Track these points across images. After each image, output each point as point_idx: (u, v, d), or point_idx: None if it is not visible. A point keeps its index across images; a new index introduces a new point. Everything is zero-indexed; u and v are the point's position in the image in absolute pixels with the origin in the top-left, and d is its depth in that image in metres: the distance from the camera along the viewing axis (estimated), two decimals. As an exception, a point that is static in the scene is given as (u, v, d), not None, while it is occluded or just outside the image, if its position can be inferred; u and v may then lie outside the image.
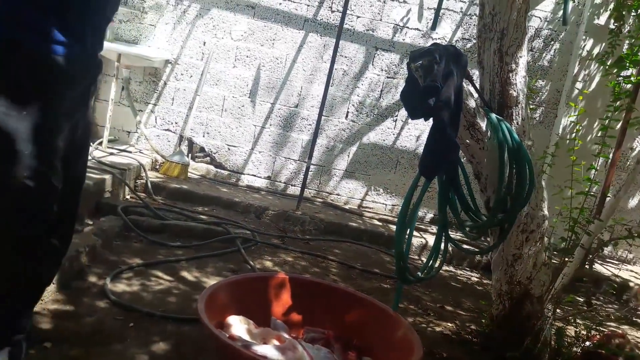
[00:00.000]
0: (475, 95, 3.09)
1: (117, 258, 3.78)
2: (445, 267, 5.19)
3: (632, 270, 6.21)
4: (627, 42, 5.85)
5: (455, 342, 3.54)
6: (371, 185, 6.47)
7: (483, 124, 3.05)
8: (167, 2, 6.13)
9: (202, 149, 6.39)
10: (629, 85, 5.14)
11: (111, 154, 5.61)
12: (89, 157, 3.64)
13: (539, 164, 3.61)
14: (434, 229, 5.80)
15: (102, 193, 4.65)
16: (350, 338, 2.79)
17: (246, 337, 2.48)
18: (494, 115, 2.92)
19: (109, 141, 5.89)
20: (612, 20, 5.85)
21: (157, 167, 6.07)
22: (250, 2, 6.12)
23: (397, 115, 6.33)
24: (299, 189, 5.84)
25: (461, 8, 6.20)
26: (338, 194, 6.47)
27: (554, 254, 4.06)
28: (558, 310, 3.62)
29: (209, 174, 6.35)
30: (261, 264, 4.25)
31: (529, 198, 2.93)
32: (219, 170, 6.40)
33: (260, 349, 2.34)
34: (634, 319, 4.80)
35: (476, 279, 5.17)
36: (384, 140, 6.37)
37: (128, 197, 5.15)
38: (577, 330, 3.66)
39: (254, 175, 6.43)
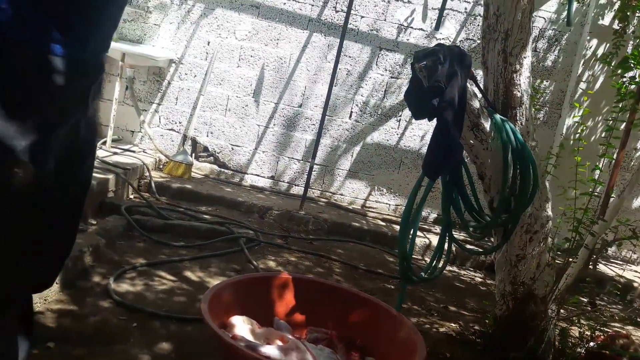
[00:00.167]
0: (479, 95, 3.09)
1: (120, 258, 3.79)
2: (448, 268, 5.18)
3: (636, 271, 6.20)
4: (631, 42, 5.84)
5: (458, 343, 3.54)
6: (375, 185, 6.46)
7: (487, 125, 3.05)
8: (171, 2, 6.13)
9: (205, 149, 6.40)
10: (632, 86, 5.12)
11: (115, 153, 5.61)
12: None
13: (543, 164, 3.60)
14: (438, 229, 5.79)
15: (105, 193, 4.65)
16: (354, 338, 2.78)
17: (249, 337, 2.48)
18: (497, 116, 2.92)
19: (113, 141, 5.89)
20: (617, 21, 5.84)
21: (161, 166, 6.08)
22: (255, 1, 6.13)
23: (400, 116, 6.33)
24: (303, 188, 5.84)
25: (465, 8, 6.19)
26: (342, 194, 6.47)
27: (558, 255, 4.06)
28: (562, 311, 3.61)
29: (213, 173, 6.35)
30: (264, 264, 4.26)
31: (533, 198, 2.92)
32: (222, 169, 6.40)
33: (264, 349, 2.34)
34: (638, 320, 4.79)
35: (480, 280, 5.17)
36: (387, 140, 6.37)
37: (132, 196, 5.15)
38: (581, 330, 3.66)
39: (258, 175, 6.43)
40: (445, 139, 2.66)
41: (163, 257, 3.98)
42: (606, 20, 6.14)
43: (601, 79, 6.25)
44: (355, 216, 5.99)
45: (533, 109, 5.66)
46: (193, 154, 6.34)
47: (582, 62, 6.18)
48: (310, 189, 6.17)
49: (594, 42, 6.20)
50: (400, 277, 3.11)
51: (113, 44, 2.13)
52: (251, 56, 6.23)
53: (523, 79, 3.13)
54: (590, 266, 5.51)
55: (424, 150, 6.19)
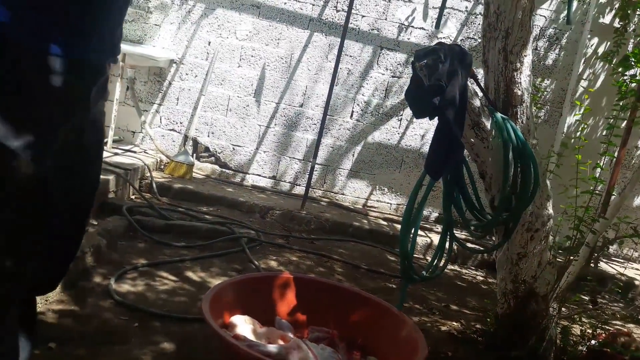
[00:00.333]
0: (480, 94, 3.09)
1: (121, 258, 3.79)
2: (450, 266, 5.18)
3: (637, 269, 6.19)
4: (632, 40, 5.84)
5: (460, 341, 3.54)
6: (376, 185, 6.46)
7: (488, 123, 3.05)
8: (172, 2, 6.13)
9: (206, 149, 6.40)
10: (633, 84, 5.12)
11: (116, 154, 5.61)
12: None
13: (544, 163, 3.60)
14: (439, 228, 5.79)
15: (106, 193, 4.65)
16: (355, 337, 2.79)
17: (251, 337, 2.48)
18: (498, 114, 2.91)
19: (114, 141, 5.90)
20: (618, 19, 5.84)
21: (162, 167, 6.08)
22: (255, 1, 6.13)
23: (402, 115, 6.33)
24: (304, 188, 5.84)
25: (466, 7, 6.19)
26: (343, 194, 6.47)
27: (559, 253, 4.05)
28: (563, 309, 3.61)
29: (214, 173, 6.35)
30: (266, 264, 4.26)
31: (534, 197, 2.92)
32: (223, 170, 6.40)
33: (265, 348, 2.34)
34: (640, 318, 4.79)
35: (481, 278, 5.16)
36: (388, 140, 6.37)
37: (133, 197, 5.15)
38: (583, 328, 3.65)
39: (259, 175, 6.43)
40: (447, 138, 2.66)
41: (164, 257, 3.98)
42: (607, 18, 6.13)
43: (602, 77, 6.24)
44: (356, 216, 5.99)
45: (534, 108, 5.67)
46: (194, 154, 6.34)
47: (583, 61, 6.18)
48: (312, 189, 6.17)
49: (595, 40, 6.19)
50: (402, 276, 3.11)
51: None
52: (252, 56, 6.23)
53: (524, 78, 3.13)
54: (591, 264, 5.51)
55: (425, 149, 6.19)
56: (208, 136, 6.36)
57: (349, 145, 6.38)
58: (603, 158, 5.26)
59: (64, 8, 1.54)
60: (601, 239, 4.92)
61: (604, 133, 5.58)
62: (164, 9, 6.14)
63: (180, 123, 6.33)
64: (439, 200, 3.70)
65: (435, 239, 5.44)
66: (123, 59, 5.71)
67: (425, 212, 6.35)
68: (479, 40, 6.09)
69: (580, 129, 5.99)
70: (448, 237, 3.08)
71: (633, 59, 5.02)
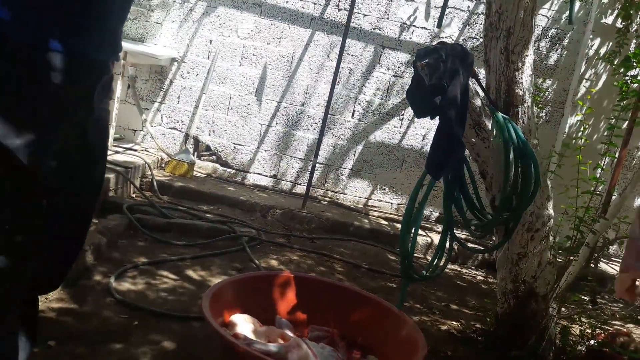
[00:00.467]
0: (482, 94, 3.09)
1: (122, 256, 3.79)
2: (450, 266, 5.18)
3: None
4: (634, 41, 5.83)
5: (460, 341, 3.54)
6: (377, 184, 6.46)
7: (489, 123, 3.05)
8: (173, 0, 6.13)
9: (208, 148, 6.39)
10: (635, 85, 5.12)
11: (117, 152, 5.61)
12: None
13: (545, 163, 3.60)
14: (440, 227, 5.79)
15: (107, 191, 4.65)
16: (355, 336, 2.79)
17: (251, 336, 2.48)
18: (500, 114, 2.91)
19: (115, 139, 5.90)
20: (620, 20, 5.83)
21: (163, 165, 6.08)
22: (257, 0, 6.12)
23: (403, 114, 6.32)
24: (305, 187, 5.84)
25: (468, 7, 6.18)
26: (344, 193, 6.47)
27: (559, 253, 4.05)
28: (563, 309, 3.61)
29: (215, 172, 6.35)
30: (266, 263, 4.26)
31: (534, 197, 2.92)
32: (225, 168, 6.40)
33: (265, 347, 2.34)
34: (639, 318, 4.78)
35: (481, 278, 5.16)
36: (390, 139, 6.36)
37: (133, 195, 5.15)
38: (582, 328, 3.66)
39: (260, 174, 6.43)
40: (448, 138, 2.66)
41: (164, 256, 3.98)
42: (609, 19, 6.13)
43: (604, 78, 6.24)
44: (357, 215, 5.99)
45: (535, 108, 5.67)
46: (195, 153, 6.34)
47: (584, 61, 6.17)
48: (313, 188, 6.17)
49: (597, 40, 6.19)
50: (402, 275, 3.12)
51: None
52: (253, 55, 6.23)
53: (525, 77, 3.13)
54: (591, 264, 5.50)
55: (427, 149, 6.19)
56: (209, 135, 6.35)
57: (350, 145, 6.38)
58: (604, 158, 5.26)
59: (66, 7, 1.53)
60: (601, 239, 4.91)
61: (605, 133, 5.57)
62: (165, 7, 6.14)
63: (182, 121, 6.33)
64: (440, 200, 3.70)
65: (436, 238, 5.43)
66: (124, 57, 5.70)
67: (426, 212, 6.35)
68: (481, 40, 6.08)
69: (581, 129, 5.99)
70: (448, 236, 3.08)
71: (634, 60, 5.02)
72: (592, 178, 4.28)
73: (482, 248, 4.45)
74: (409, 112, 6.23)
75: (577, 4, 6.02)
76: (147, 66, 6.17)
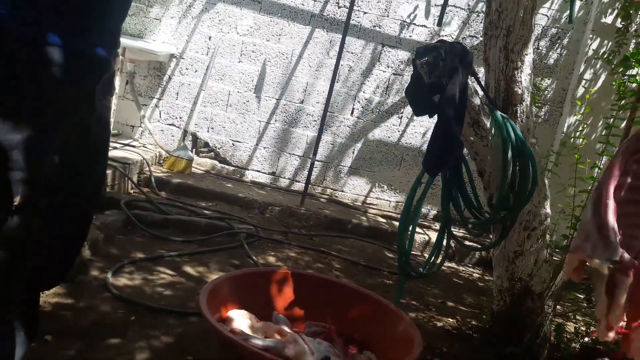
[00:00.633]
0: (480, 92, 3.09)
1: (119, 252, 3.79)
2: (447, 264, 5.18)
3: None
4: (633, 41, 5.83)
5: (455, 338, 3.55)
6: (376, 182, 6.46)
7: (487, 122, 3.05)
8: (173, -3, 6.14)
9: (206, 144, 6.39)
10: (634, 85, 5.12)
11: (115, 148, 5.60)
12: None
13: (543, 162, 3.60)
14: (438, 225, 5.79)
15: (104, 187, 4.65)
16: (352, 332, 2.79)
17: (248, 331, 2.49)
18: (498, 113, 2.92)
19: (113, 135, 5.89)
20: (620, 19, 5.83)
21: (161, 161, 6.08)
22: (256, -3, 6.13)
23: (402, 112, 6.33)
24: (304, 185, 5.84)
25: (468, 5, 6.18)
26: (342, 191, 6.47)
27: (556, 251, 4.06)
28: (558, 307, 3.62)
29: (213, 169, 6.35)
30: (264, 260, 4.26)
31: (532, 196, 2.93)
32: (223, 165, 6.40)
33: (262, 342, 2.35)
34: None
35: (478, 276, 5.17)
36: (389, 137, 6.37)
37: (131, 191, 5.16)
38: (577, 326, 3.68)
39: (259, 171, 6.43)
40: (446, 136, 2.66)
41: (162, 251, 3.98)
42: (609, 18, 6.13)
43: (603, 77, 6.24)
44: (355, 212, 6.00)
45: (534, 107, 5.66)
46: (193, 150, 6.34)
47: (584, 61, 6.17)
48: (311, 186, 6.17)
49: (597, 40, 6.19)
50: (399, 272, 3.12)
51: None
52: (253, 51, 6.23)
53: (524, 76, 3.13)
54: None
55: (425, 147, 6.18)
56: (208, 131, 6.35)
57: (349, 143, 6.38)
58: (601, 158, 5.26)
59: (67, 6, 1.53)
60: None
61: (603, 133, 5.57)
62: (164, 3, 6.13)
63: (180, 118, 6.33)
64: (438, 198, 3.70)
65: (434, 236, 5.44)
66: (123, 53, 5.70)
67: (424, 210, 6.35)
68: (481, 38, 6.08)
69: (580, 129, 5.99)
70: (446, 234, 3.09)
71: (633, 59, 5.02)
72: (590, 177, 4.28)
73: (479, 246, 4.47)
74: (408, 110, 6.24)
75: (578, 4, 6.02)
76: (145, 62, 6.17)
